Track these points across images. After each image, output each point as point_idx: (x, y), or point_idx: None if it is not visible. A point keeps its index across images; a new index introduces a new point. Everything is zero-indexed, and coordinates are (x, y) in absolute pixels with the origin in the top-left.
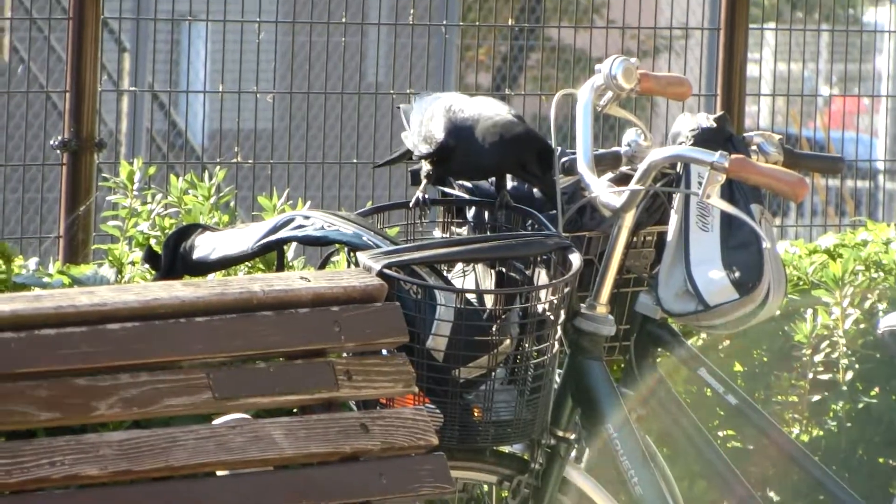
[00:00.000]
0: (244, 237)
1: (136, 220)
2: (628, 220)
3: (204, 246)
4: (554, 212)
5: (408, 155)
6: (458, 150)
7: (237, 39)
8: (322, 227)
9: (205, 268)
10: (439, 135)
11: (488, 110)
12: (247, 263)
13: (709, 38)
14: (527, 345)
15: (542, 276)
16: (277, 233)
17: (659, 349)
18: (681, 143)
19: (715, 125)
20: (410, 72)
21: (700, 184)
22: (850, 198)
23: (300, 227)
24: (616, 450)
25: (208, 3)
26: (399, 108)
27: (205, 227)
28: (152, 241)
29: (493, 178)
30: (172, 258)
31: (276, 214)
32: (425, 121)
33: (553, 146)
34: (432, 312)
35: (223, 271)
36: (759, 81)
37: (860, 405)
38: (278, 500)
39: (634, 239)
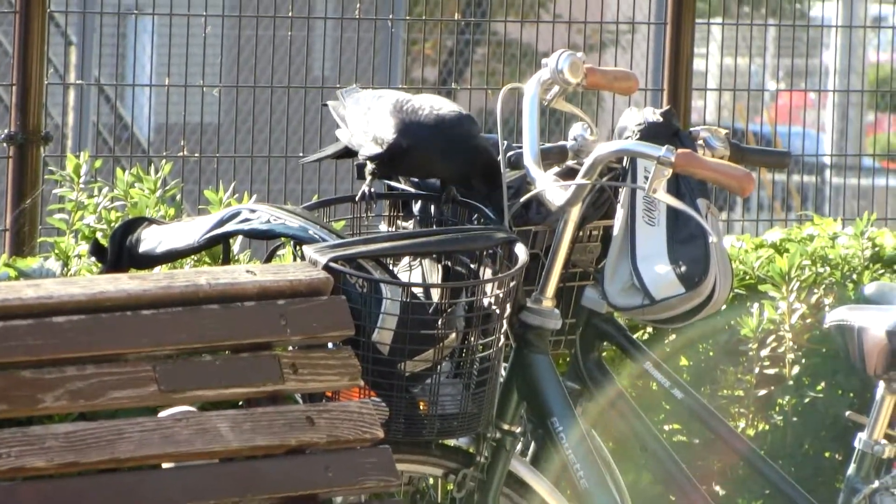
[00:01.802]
0: (190, 230)
1: (82, 214)
2: (574, 214)
3: (150, 239)
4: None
5: (343, 153)
6: (411, 151)
7: (183, 33)
8: (268, 221)
9: (151, 261)
10: (389, 135)
11: (445, 113)
12: (193, 257)
13: (655, 33)
14: (472, 338)
15: (488, 270)
16: (223, 226)
17: (605, 343)
18: (627, 138)
19: (661, 120)
20: (356, 66)
21: (646, 178)
22: (796, 192)
23: (246, 220)
24: (562, 443)
25: None
26: (327, 105)
27: (151, 221)
28: (98, 235)
29: None
30: (119, 251)
31: (222, 208)
32: (371, 121)
33: (499, 143)
34: (378, 306)
35: (169, 264)
36: (706, 76)
37: (806, 399)
38: (223, 492)
39: (580, 233)
